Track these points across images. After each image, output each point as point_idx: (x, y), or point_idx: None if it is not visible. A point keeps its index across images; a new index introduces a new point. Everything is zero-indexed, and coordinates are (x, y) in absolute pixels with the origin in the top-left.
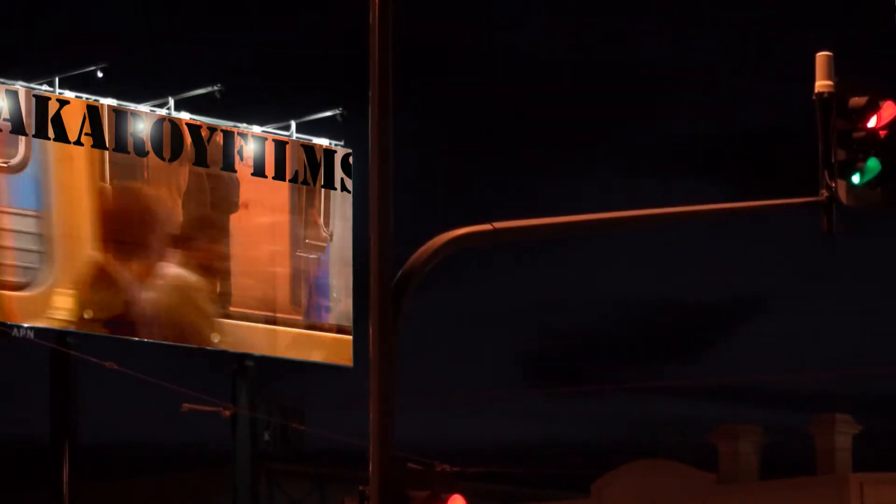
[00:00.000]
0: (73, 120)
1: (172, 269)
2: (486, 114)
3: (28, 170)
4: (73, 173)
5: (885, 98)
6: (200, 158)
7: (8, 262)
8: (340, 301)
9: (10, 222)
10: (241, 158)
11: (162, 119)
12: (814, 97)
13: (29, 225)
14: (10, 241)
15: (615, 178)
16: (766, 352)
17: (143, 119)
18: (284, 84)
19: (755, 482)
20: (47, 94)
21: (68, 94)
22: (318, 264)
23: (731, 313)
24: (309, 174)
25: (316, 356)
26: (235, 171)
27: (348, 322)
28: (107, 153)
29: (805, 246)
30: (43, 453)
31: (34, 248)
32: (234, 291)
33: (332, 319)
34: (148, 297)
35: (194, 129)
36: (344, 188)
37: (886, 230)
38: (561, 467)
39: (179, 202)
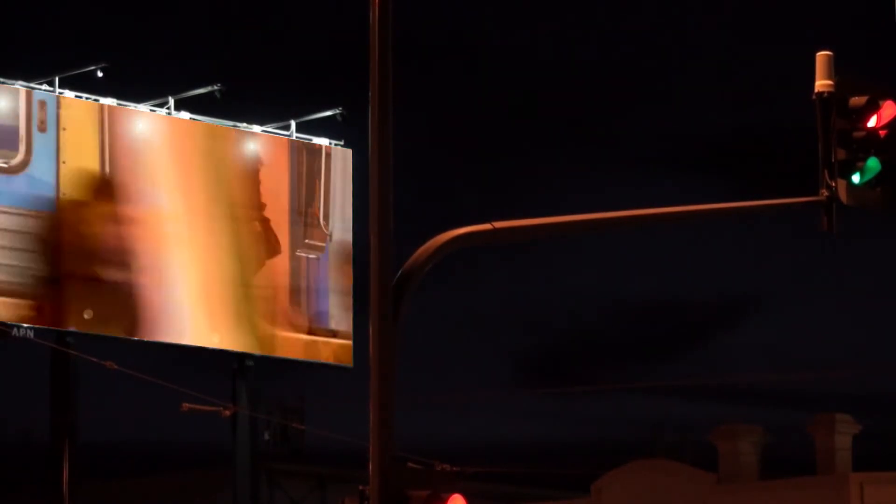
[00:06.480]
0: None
1: (172, 269)
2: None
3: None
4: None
5: (885, 98)
6: (200, 158)
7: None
8: (340, 301)
9: (8, 222)
10: (241, 158)
11: (162, 119)
12: (814, 97)
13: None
14: (6, 242)
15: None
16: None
17: (143, 119)
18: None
19: (755, 482)
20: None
21: (68, 94)
22: (318, 264)
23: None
24: (308, 174)
25: (316, 356)
26: (235, 172)
27: (348, 321)
28: (107, 154)
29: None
30: (43, 453)
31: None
32: (234, 291)
33: (331, 318)
34: (148, 296)
35: (194, 129)
36: (344, 188)
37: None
38: (561, 467)
39: (179, 202)
